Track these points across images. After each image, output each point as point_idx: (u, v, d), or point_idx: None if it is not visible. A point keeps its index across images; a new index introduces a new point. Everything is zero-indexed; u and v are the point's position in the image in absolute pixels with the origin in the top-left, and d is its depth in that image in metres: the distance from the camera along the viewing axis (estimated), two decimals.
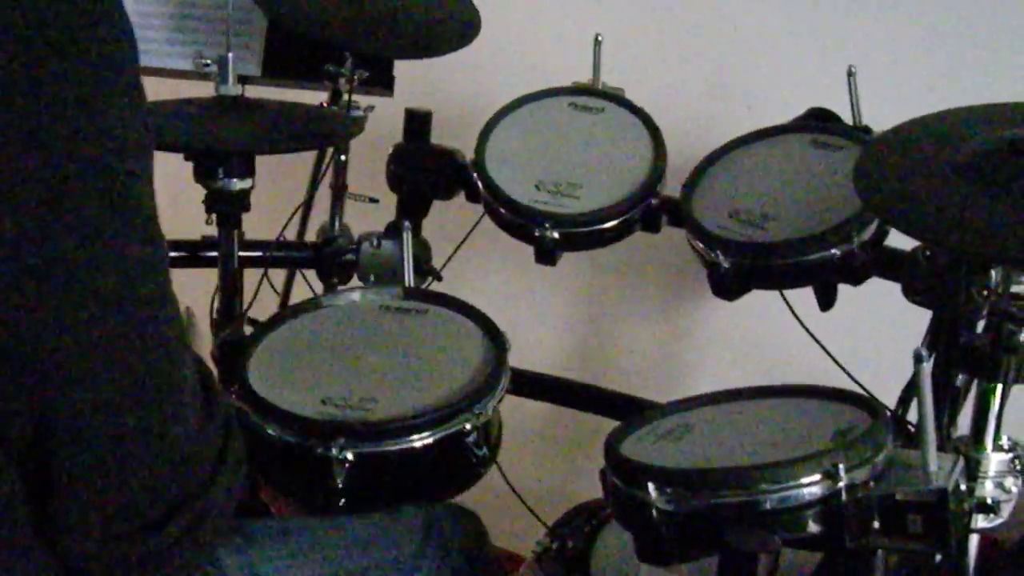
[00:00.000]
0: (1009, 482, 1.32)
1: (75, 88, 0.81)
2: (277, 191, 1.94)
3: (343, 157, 1.96)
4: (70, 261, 0.82)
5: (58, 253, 0.81)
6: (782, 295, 1.64)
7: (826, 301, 1.54)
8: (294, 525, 1.28)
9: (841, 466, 1.10)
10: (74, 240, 0.82)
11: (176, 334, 0.91)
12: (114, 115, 0.83)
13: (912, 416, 1.41)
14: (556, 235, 1.63)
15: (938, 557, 1.29)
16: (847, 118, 1.67)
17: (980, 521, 1.30)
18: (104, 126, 0.82)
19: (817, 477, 1.11)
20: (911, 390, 1.50)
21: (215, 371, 1.80)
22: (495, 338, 1.51)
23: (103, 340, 0.85)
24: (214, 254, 1.78)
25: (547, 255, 1.65)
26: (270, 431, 1.37)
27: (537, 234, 1.63)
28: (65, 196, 0.81)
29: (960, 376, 1.40)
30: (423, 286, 1.81)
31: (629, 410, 1.76)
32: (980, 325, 1.35)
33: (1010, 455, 1.32)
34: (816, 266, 1.48)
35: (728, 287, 1.54)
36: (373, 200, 1.98)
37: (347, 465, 1.32)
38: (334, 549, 1.24)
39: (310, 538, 1.25)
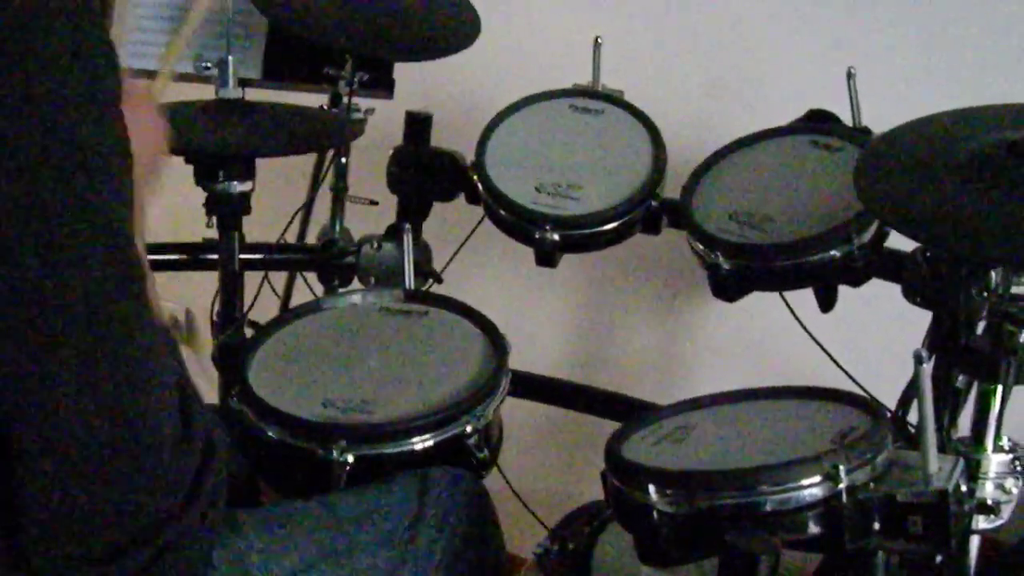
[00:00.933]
0: (1009, 483, 1.32)
1: (45, 104, 0.79)
2: (277, 194, 1.94)
3: (343, 160, 1.96)
4: (34, 278, 0.81)
5: (23, 269, 0.80)
6: (782, 297, 1.65)
7: (826, 303, 1.54)
8: (282, 510, 1.25)
9: (841, 468, 1.10)
10: (38, 256, 0.80)
11: (148, 356, 0.89)
12: (85, 132, 0.82)
13: (912, 417, 1.41)
14: (556, 237, 1.63)
15: (939, 558, 1.29)
16: (847, 119, 1.67)
17: (981, 522, 1.31)
18: (74, 142, 0.81)
19: (817, 479, 1.11)
20: (911, 391, 1.50)
21: (216, 374, 1.81)
22: (495, 340, 1.51)
23: (68, 360, 0.83)
24: (215, 257, 1.78)
25: (547, 257, 1.65)
26: (271, 433, 1.37)
27: (537, 236, 1.63)
28: (32, 212, 0.80)
29: (960, 377, 1.40)
30: (423, 288, 1.81)
31: (630, 412, 1.77)
32: (980, 326, 1.35)
33: (1010, 456, 1.33)
34: (816, 268, 1.48)
35: (728, 289, 1.54)
36: (373, 202, 1.98)
37: (348, 467, 1.32)
38: (325, 530, 1.22)
39: (299, 521, 1.22)
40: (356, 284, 1.90)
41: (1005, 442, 1.34)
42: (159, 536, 0.91)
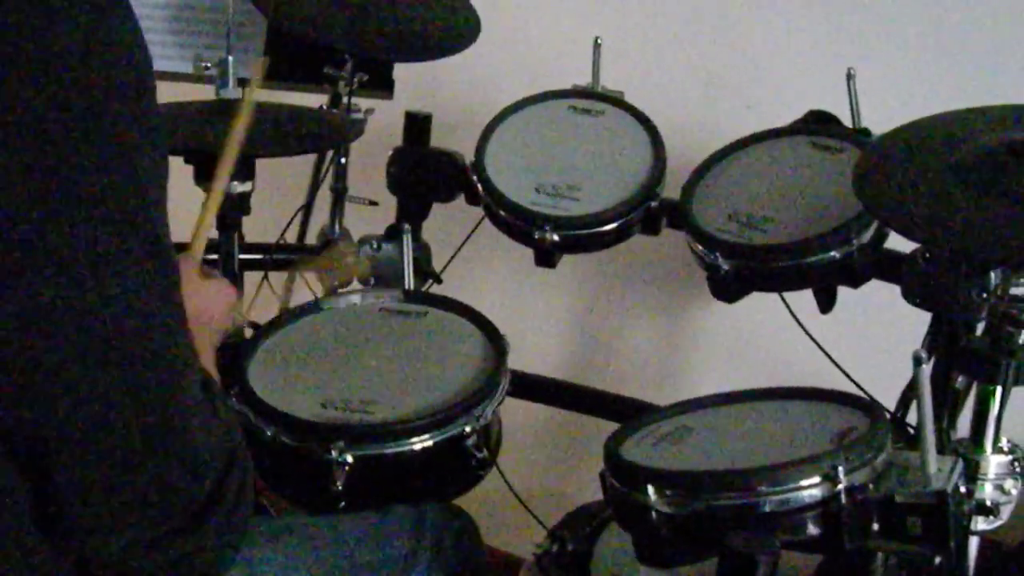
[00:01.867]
0: (1009, 484, 1.32)
1: (92, 118, 0.80)
2: (277, 194, 1.94)
3: (343, 160, 1.96)
4: (84, 289, 0.81)
5: (69, 282, 0.81)
6: (782, 297, 1.65)
7: (826, 303, 1.54)
8: (289, 524, 1.28)
9: (840, 468, 1.11)
10: (86, 268, 0.81)
11: (186, 360, 0.90)
12: (123, 125, 0.82)
13: (912, 418, 1.41)
14: (556, 237, 1.63)
15: (938, 559, 1.29)
16: (846, 120, 1.67)
17: (980, 523, 1.30)
18: (120, 155, 0.82)
19: (816, 479, 1.11)
20: (910, 392, 1.50)
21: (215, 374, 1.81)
22: (495, 340, 1.51)
23: (114, 367, 0.84)
24: (214, 257, 1.78)
25: (547, 257, 1.65)
26: (270, 434, 1.37)
27: (537, 236, 1.63)
28: (77, 226, 0.80)
29: (960, 378, 1.40)
30: (423, 289, 1.81)
31: (629, 412, 1.76)
32: (980, 327, 1.35)
33: (1010, 457, 1.33)
34: (815, 268, 1.48)
35: (728, 289, 1.54)
36: (373, 203, 1.98)
37: (347, 468, 1.33)
38: (329, 547, 1.25)
39: (305, 537, 1.25)
40: (356, 284, 1.90)
41: (1004, 443, 1.34)
42: (214, 513, 0.92)
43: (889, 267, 1.51)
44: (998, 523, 1.31)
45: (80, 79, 0.79)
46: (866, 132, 1.64)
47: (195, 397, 0.92)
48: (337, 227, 1.98)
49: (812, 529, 1.12)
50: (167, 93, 1.76)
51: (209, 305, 1.18)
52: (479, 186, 1.71)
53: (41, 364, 0.82)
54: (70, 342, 0.82)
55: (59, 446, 0.85)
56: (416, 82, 1.98)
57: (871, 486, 1.13)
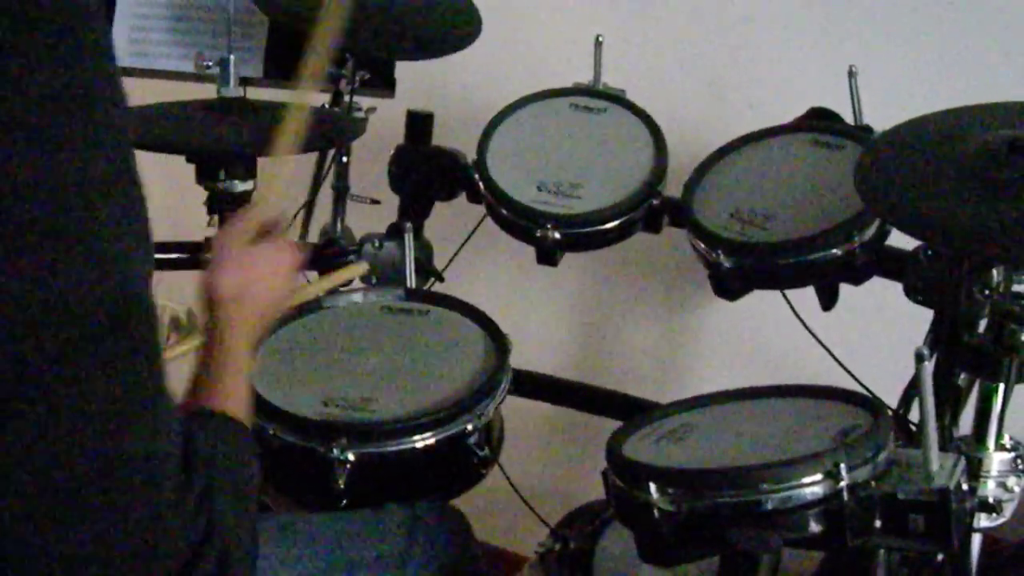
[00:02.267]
0: (1011, 481, 1.32)
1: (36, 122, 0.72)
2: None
3: (345, 159, 1.96)
4: (29, 303, 0.72)
5: (18, 297, 0.71)
6: (784, 295, 1.64)
7: (828, 301, 1.54)
8: (285, 521, 1.28)
9: (843, 466, 1.11)
10: (29, 283, 0.72)
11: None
12: (79, 153, 0.73)
13: (914, 415, 1.41)
14: (558, 236, 1.63)
15: (940, 556, 1.29)
16: (848, 118, 1.67)
17: (982, 520, 1.31)
18: (66, 161, 0.73)
19: (819, 477, 1.11)
20: (913, 389, 1.50)
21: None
22: (497, 339, 1.51)
23: (64, 390, 0.73)
24: (210, 256, 1.78)
25: (549, 256, 1.65)
26: (271, 432, 1.37)
27: (539, 235, 1.63)
28: (24, 240, 0.71)
29: (962, 375, 1.40)
30: (425, 287, 1.81)
31: (631, 410, 1.76)
32: (982, 324, 1.35)
33: (1012, 454, 1.33)
34: (817, 266, 1.48)
35: (730, 287, 1.54)
36: (375, 201, 1.98)
37: (348, 466, 1.33)
38: (325, 544, 1.25)
39: (302, 533, 1.25)
40: (357, 283, 1.90)
41: (1007, 440, 1.34)
42: None
43: (891, 264, 1.51)
44: (1001, 520, 1.31)
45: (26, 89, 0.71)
46: (868, 129, 1.64)
47: (168, 458, 0.79)
48: (339, 226, 1.98)
49: (814, 526, 1.12)
50: (168, 92, 1.78)
51: (261, 272, 1.10)
52: (481, 184, 1.71)
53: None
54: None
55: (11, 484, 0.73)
56: (418, 80, 1.98)
57: (873, 483, 1.13)
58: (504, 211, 1.67)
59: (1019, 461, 1.33)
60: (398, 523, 1.30)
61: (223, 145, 1.69)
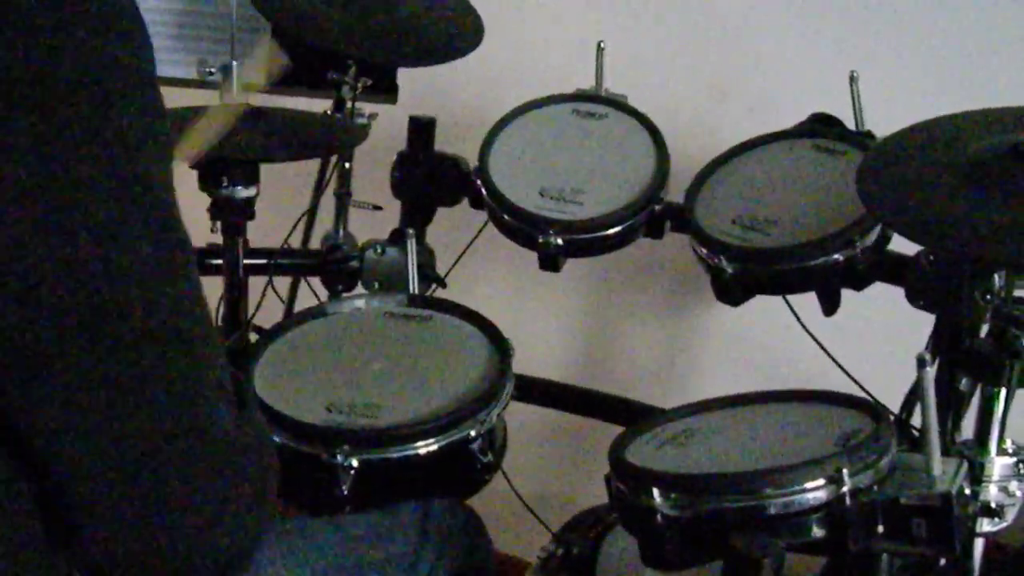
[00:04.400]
0: (1013, 486, 1.32)
1: (87, 89, 0.77)
2: (281, 199, 1.95)
3: (347, 165, 1.97)
4: (86, 264, 0.77)
5: (73, 255, 0.77)
6: (786, 300, 1.65)
7: (829, 306, 1.54)
8: (292, 526, 1.28)
9: (845, 471, 1.11)
10: (89, 241, 0.77)
11: (203, 334, 0.85)
12: (128, 116, 0.80)
13: (916, 420, 1.41)
14: (560, 241, 1.63)
15: (943, 561, 1.29)
16: (849, 123, 1.67)
17: (984, 525, 1.31)
18: (118, 127, 0.79)
19: (821, 482, 1.11)
20: (915, 394, 1.50)
21: None
22: (499, 344, 1.51)
23: (109, 325, 0.79)
24: (219, 262, 1.78)
25: (551, 261, 1.65)
26: (275, 438, 1.37)
27: (541, 240, 1.63)
28: (78, 197, 0.77)
29: (964, 380, 1.40)
30: (427, 293, 1.82)
31: (633, 416, 1.77)
32: (984, 329, 1.35)
33: (1014, 459, 1.33)
34: (819, 271, 1.48)
35: (732, 292, 1.55)
36: (377, 207, 1.98)
37: (352, 472, 1.33)
38: (332, 547, 1.25)
39: (309, 538, 1.25)
40: (360, 289, 1.90)
41: (1009, 445, 1.34)
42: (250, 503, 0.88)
43: (893, 270, 1.52)
44: (1003, 525, 1.31)
45: (80, 60, 0.77)
46: (869, 135, 1.64)
47: (219, 386, 0.86)
48: (341, 232, 1.98)
49: (817, 531, 1.12)
50: (171, 98, 1.77)
51: None
52: (483, 190, 1.71)
53: (41, 343, 0.77)
54: (72, 319, 0.77)
55: (61, 434, 0.79)
56: (420, 87, 1.98)
57: (876, 488, 1.13)
58: (506, 217, 1.68)
59: (1021, 465, 1.33)
60: (409, 521, 1.30)
61: (226, 152, 1.69)
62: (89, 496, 0.82)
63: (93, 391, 0.79)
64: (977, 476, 1.30)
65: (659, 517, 1.15)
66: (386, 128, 1.93)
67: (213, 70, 1.79)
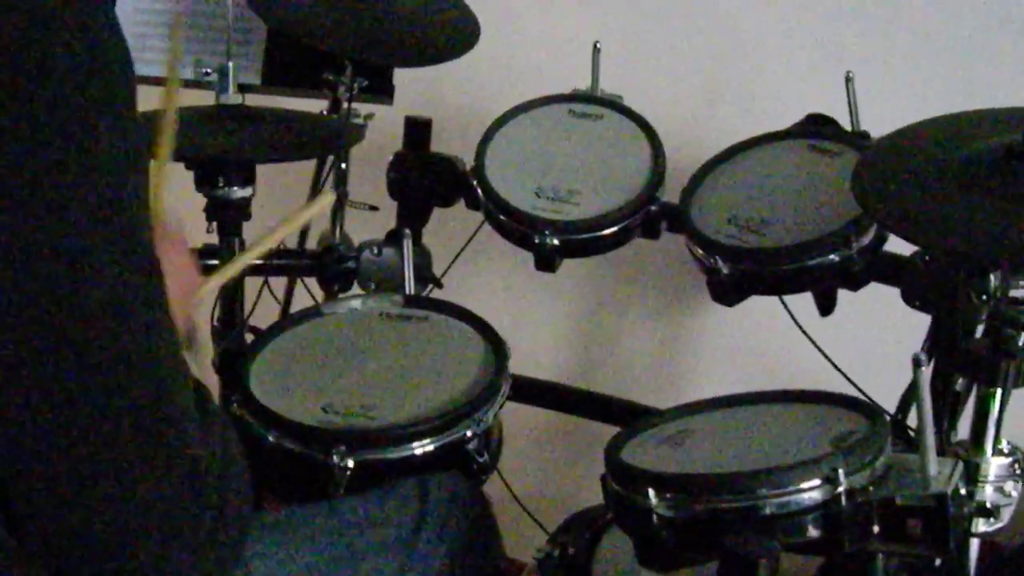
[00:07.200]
0: (1009, 486, 1.32)
1: (59, 112, 0.76)
2: (277, 199, 1.94)
3: (343, 165, 1.96)
4: (54, 287, 0.77)
5: (41, 278, 0.76)
6: (781, 300, 1.65)
7: (825, 306, 1.54)
8: (284, 516, 1.26)
9: (841, 471, 1.11)
10: (58, 265, 0.77)
11: (172, 362, 0.85)
12: (102, 139, 0.78)
13: (912, 421, 1.41)
14: (556, 242, 1.63)
15: (938, 561, 1.29)
16: (845, 124, 1.67)
17: (980, 525, 1.30)
18: (90, 151, 0.78)
19: (817, 482, 1.11)
20: (910, 395, 1.50)
21: (217, 380, 1.81)
22: (495, 345, 1.51)
23: (79, 347, 0.79)
24: (215, 263, 1.78)
25: (547, 262, 1.66)
26: (271, 439, 1.37)
27: (537, 241, 1.64)
28: (47, 221, 0.76)
29: (960, 380, 1.40)
30: (424, 293, 1.81)
31: (629, 416, 1.77)
32: (979, 329, 1.35)
33: (1010, 459, 1.33)
34: (815, 271, 1.48)
35: (727, 293, 1.55)
36: (373, 208, 1.98)
37: (348, 472, 1.33)
38: (328, 535, 1.23)
39: (302, 527, 1.23)
40: (356, 289, 1.90)
41: (1004, 445, 1.34)
42: (221, 520, 0.87)
43: (889, 270, 1.52)
44: (998, 525, 1.31)
45: (53, 83, 0.76)
46: (865, 135, 1.64)
47: (186, 409, 0.86)
48: (337, 232, 1.98)
49: (812, 532, 1.12)
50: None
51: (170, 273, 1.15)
52: (479, 191, 1.71)
53: (3, 364, 0.77)
54: (37, 342, 0.77)
55: (24, 458, 0.79)
56: (416, 87, 1.98)
57: (871, 488, 1.13)
58: (502, 217, 1.68)
59: (1017, 466, 1.33)
60: (406, 499, 1.27)
61: (222, 152, 1.70)
62: (53, 517, 0.81)
63: (56, 413, 0.79)
64: (973, 476, 1.30)
65: (655, 517, 1.15)
66: (382, 129, 1.93)
67: (209, 71, 1.79)
